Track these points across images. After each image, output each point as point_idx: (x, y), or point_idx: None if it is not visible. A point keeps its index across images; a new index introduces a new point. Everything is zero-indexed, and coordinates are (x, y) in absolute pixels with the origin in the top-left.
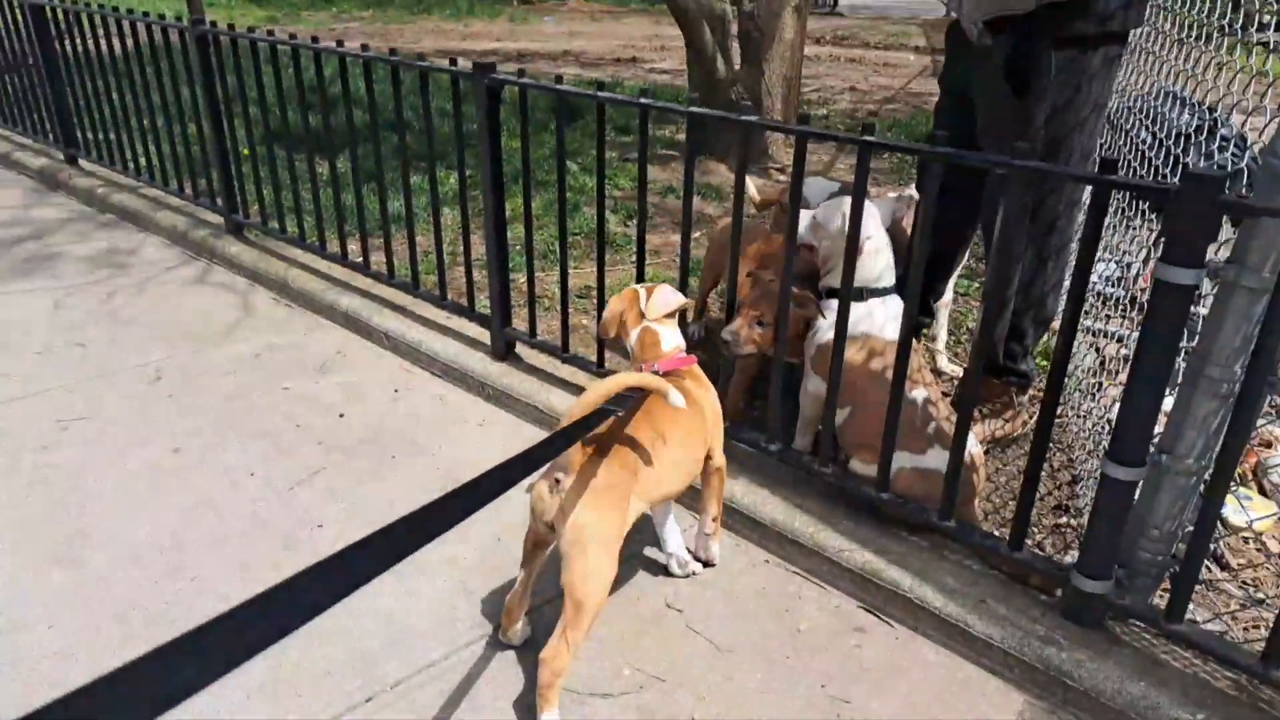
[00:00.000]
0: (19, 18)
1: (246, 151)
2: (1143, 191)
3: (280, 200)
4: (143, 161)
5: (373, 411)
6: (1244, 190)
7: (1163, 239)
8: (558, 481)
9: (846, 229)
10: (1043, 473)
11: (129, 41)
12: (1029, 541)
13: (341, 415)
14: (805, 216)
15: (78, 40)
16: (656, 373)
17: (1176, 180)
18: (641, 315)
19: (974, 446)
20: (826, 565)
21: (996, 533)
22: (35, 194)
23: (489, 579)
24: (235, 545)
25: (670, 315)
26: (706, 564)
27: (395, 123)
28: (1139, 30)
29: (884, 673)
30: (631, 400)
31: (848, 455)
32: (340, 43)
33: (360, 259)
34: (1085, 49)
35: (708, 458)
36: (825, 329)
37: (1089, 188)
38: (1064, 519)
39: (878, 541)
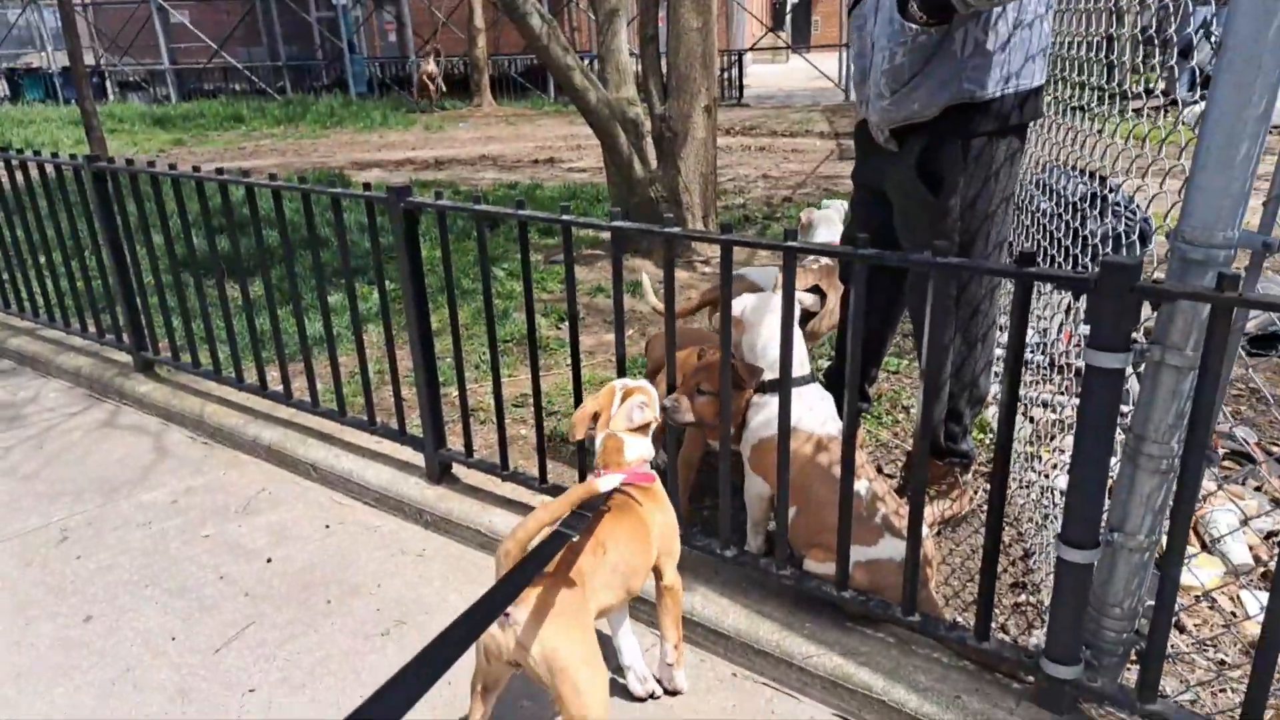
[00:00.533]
0: None
1: (152, 282)
2: (1062, 282)
3: (191, 332)
4: (40, 302)
5: (303, 552)
6: (1144, 257)
7: (1087, 326)
8: (507, 615)
9: (760, 337)
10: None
11: (19, 177)
12: (993, 624)
13: (269, 560)
14: (735, 305)
15: None
16: (606, 479)
17: (1089, 262)
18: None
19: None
20: (795, 673)
21: (959, 619)
22: None
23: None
24: None
25: (639, 429)
26: (673, 693)
27: (309, 242)
28: (1036, 120)
29: None
30: (585, 521)
31: (800, 555)
32: (246, 172)
33: (281, 388)
34: (990, 143)
35: (659, 576)
36: (758, 426)
37: None
38: (1022, 596)
39: (844, 643)
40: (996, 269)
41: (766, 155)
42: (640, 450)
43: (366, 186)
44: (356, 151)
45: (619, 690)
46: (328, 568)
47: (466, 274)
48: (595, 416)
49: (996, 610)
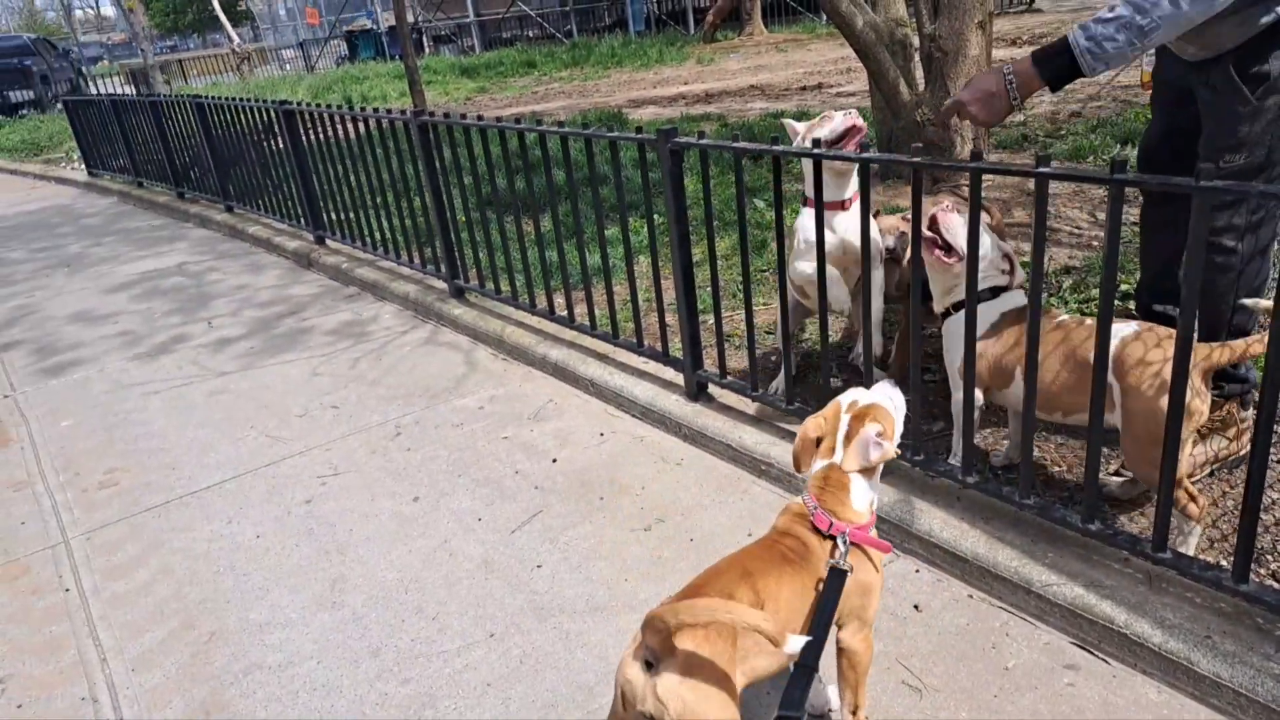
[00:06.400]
0: (274, 118)
1: (463, 219)
2: None
3: (494, 262)
4: (378, 237)
5: (581, 456)
6: None
7: None
8: (650, 665)
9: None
10: (1279, 497)
11: (361, 128)
12: (1261, 571)
13: (554, 460)
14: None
15: (317, 132)
16: (845, 540)
17: None
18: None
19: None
20: (1033, 600)
21: (1224, 562)
22: (291, 273)
23: None
24: (467, 585)
25: (872, 468)
26: None
27: (590, 181)
28: None
29: (1101, 712)
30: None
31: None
32: (540, 119)
33: (565, 313)
34: None
35: (838, 630)
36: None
37: None
38: None
39: (1087, 574)
40: (1270, 190)
41: None
42: (869, 495)
43: (639, 130)
44: (634, 90)
45: None
46: (601, 470)
47: (730, 206)
48: (819, 443)
49: (1270, 558)
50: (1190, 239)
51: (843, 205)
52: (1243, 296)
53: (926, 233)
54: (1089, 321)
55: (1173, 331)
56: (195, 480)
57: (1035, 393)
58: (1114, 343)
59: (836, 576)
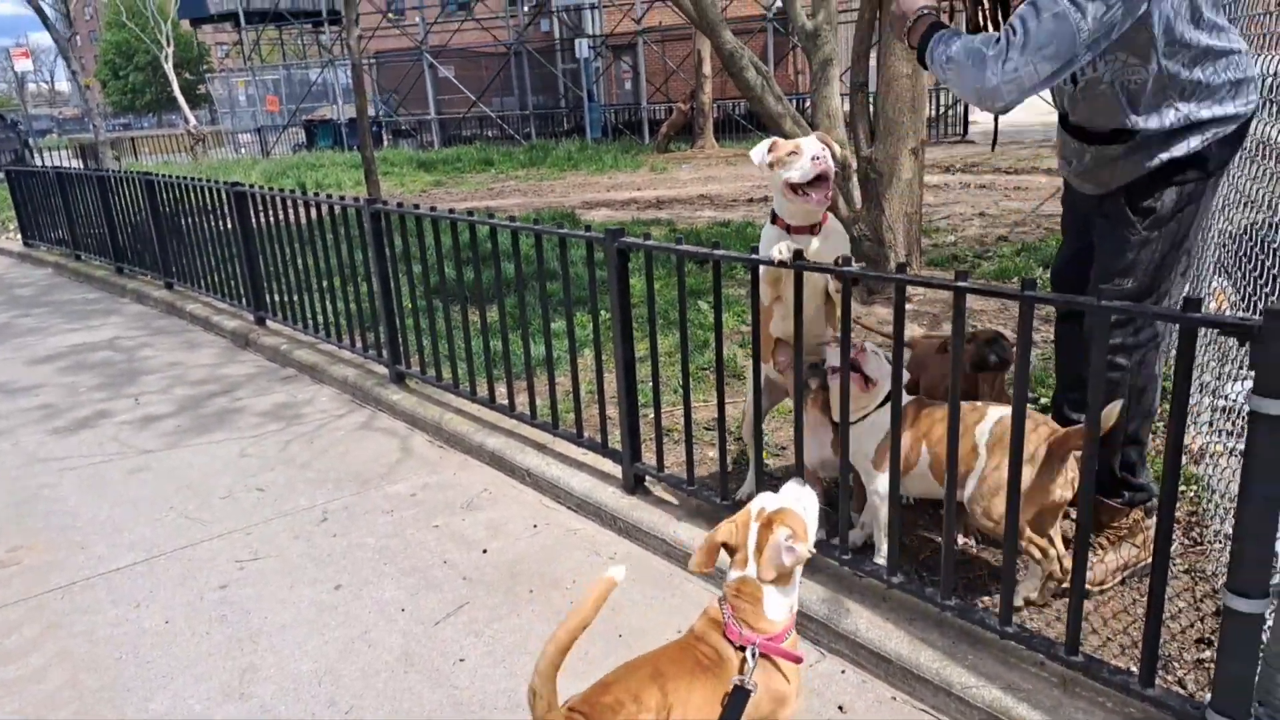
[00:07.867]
0: (225, 199)
1: (409, 306)
2: (1226, 328)
3: (437, 349)
4: (320, 320)
5: (513, 547)
6: None
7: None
8: None
9: None
10: (1186, 604)
11: (312, 213)
12: (1169, 677)
13: (485, 551)
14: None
15: (267, 215)
16: (754, 650)
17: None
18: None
19: None
20: (954, 703)
21: (1133, 667)
22: (228, 353)
23: None
24: (386, 679)
25: (787, 574)
26: None
27: (538, 275)
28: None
29: None
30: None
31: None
32: (492, 213)
33: (506, 401)
34: (1197, 188)
35: None
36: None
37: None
38: (1207, 653)
39: (1005, 677)
40: (1161, 313)
41: (986, 193)
42: (785, 602)
43: (587, 228)
44: (588, 192)
45: None
46: (533, 562)
47: (674, 305)
48: (725, 546)
49: (1177, 665)
50: (1093, 352)
51: (812, 229)
52: (1139, 413)
53: (854, 372)
54: (977, 404)
55: (1044, 416)
56: (105, 561)
57: (955, 495)
58: (991, 423)
59: (739, 695)
